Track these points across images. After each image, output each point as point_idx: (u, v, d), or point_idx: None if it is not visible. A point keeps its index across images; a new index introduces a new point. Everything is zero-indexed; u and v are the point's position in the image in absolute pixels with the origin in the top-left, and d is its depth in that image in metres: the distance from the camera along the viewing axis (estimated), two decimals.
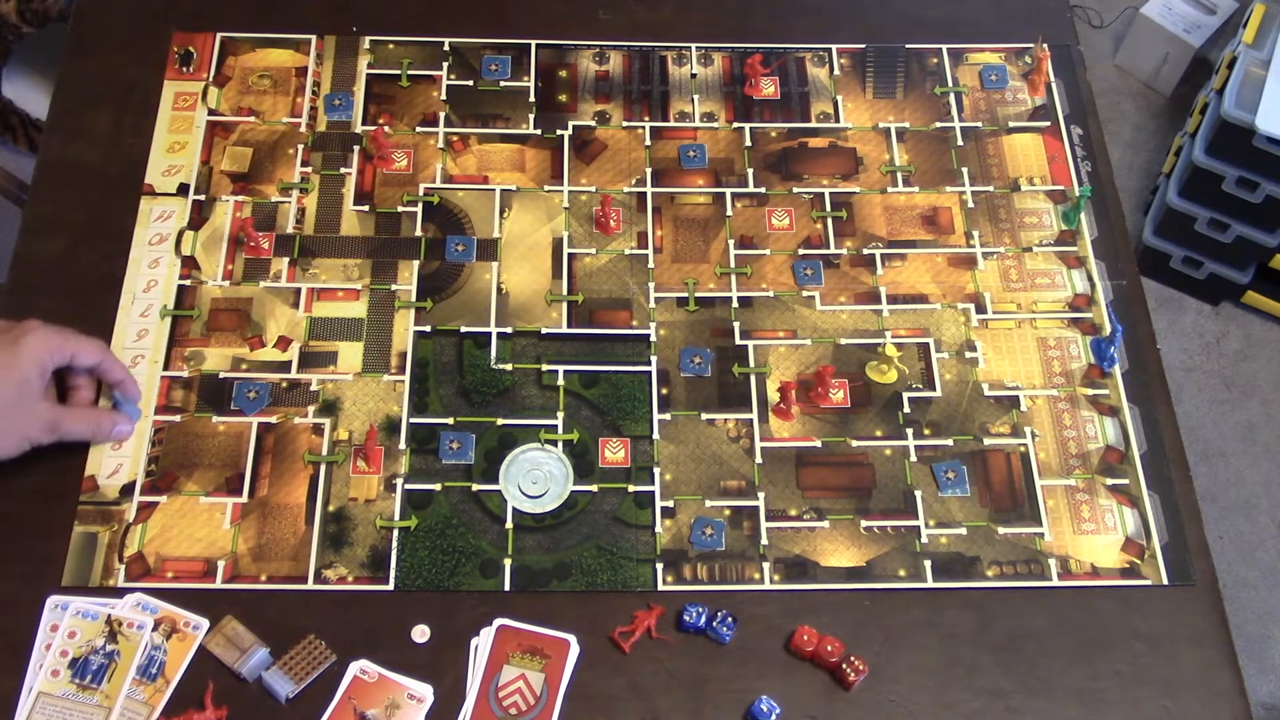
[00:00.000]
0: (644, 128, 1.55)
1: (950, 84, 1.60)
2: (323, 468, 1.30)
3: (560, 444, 1.33)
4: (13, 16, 2.27)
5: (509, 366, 1.37)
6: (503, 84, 1.57)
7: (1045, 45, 1.60)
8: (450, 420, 1.33)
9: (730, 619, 1.21)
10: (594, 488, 1.30)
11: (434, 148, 1.52)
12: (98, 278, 1.40)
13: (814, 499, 1.30)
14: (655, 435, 1.33)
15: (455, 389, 1.35)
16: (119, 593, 1.21)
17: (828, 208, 1.49)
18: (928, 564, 1.27)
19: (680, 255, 1.45)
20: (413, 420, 1.33)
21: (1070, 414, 1.37)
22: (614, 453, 1.32)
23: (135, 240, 1.43)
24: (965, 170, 1.53)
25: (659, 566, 1.26)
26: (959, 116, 1.58)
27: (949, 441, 1.34)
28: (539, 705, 1.16)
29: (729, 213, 1.49)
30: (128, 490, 1.27)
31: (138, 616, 1.19)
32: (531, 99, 1.56)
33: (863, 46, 1.63)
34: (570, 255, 1.45)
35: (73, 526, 1.25)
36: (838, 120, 1.57)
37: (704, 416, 1.35)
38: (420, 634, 1.20)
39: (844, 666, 1.18)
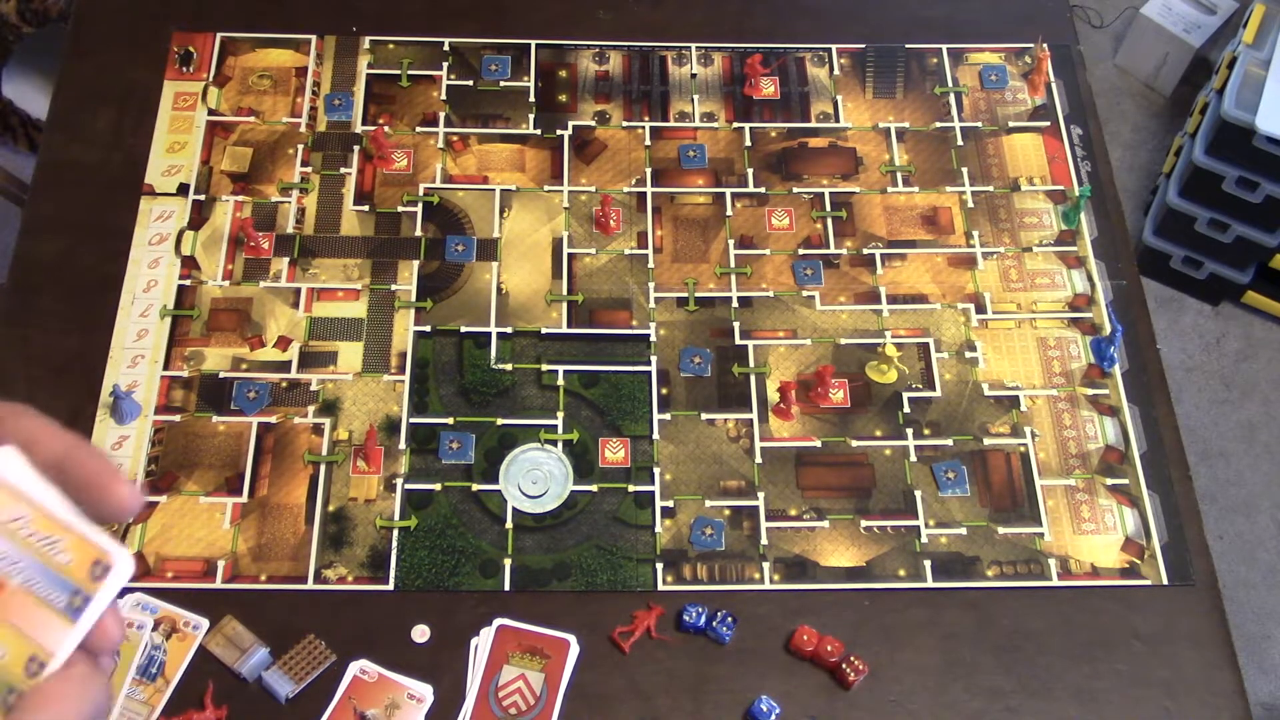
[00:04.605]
0: (644, 128, 1.55)
1: (950, 84, 1.60)
2: (323, 468, 1.30)
3: (560, 444, 1.32)
4: (13, 16, 2.26)
5: (509, 366, 1.37)
6: (503, 84, 1.57)
7: (1045, 45, 1.60)
8: (450, 420, 1.33)
9: (730, 619, 1.21)
10: (594, 488, 1.30)
11: (434, 148, 1.52)
12: (98, 278, 1.40)
13: (814, 499, 1.30)
14: (655, 435, 1.33)
15: (455, 389, 1.35)
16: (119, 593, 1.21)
17: (828, 208, 1.49)
18: (928, 564, 1.27)
19: (680, 255, 1.45)
20: (413, 420, 1.33)
21: (1070, 414, 1.36)
22: (614, 453, 1.32)
23: (135, 240, 1.43)
24: (965, 170, 1.53)
25: (659, 566, 1.25)
26: (959, 116, 1.57)
27: (949, 441, 1.34)
28: (539, 705, 1.16)
29: (729, 213, 1.49)
30: None
31: (138, 616, 1.19)
32: (531, 99, 1.56)
33: (863, 46, 1.63)
34: (570, 255, 1.45)
35: None
36: (838, 120, 1.57)
37: (704, 416, 1.35)
38: (420, 634, 1.20)
39: (844, 666, 1.18)
